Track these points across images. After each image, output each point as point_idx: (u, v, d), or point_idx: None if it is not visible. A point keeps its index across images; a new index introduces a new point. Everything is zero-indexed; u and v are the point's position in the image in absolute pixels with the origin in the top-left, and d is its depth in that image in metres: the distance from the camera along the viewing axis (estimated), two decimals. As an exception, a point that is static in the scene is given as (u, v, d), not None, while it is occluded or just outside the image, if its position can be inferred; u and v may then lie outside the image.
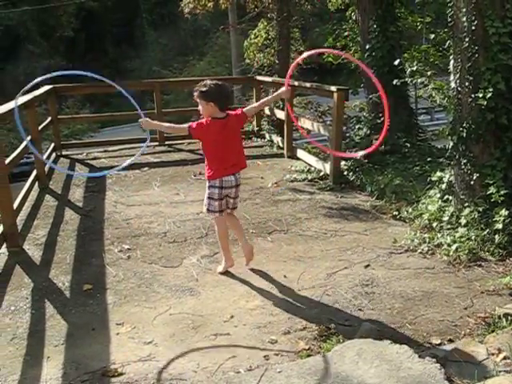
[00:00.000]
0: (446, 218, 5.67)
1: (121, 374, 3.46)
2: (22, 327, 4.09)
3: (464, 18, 5.42)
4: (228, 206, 4.88)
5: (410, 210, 6.25)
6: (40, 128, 8.55)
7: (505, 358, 3.36)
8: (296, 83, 9.38)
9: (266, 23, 13.74)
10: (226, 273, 4.94)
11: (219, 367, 3.49)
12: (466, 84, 5.52)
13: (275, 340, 3.81)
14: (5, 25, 36.62)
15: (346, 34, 12.48)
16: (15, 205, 5.98)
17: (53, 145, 10.20)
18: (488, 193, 5.36)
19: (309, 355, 3.59)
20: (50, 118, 9.89)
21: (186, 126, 4.69)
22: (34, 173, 7.82)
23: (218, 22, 24.66)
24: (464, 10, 5.41)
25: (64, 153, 10.41)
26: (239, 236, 5.06)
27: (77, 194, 7.62)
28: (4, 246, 5.51)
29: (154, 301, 4.46)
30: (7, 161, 5.82)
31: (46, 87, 9.66)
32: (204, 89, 4.58)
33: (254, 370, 3.43)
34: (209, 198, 4.79)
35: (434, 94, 8.76)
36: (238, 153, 4.81)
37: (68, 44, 39.79)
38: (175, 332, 3.97)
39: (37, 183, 7.82)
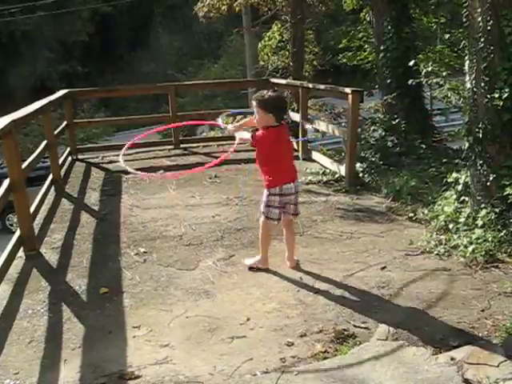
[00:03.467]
0: (462, 220, 5.63)
1: (138, 377, 3.47)
2: (39, 330, 4.12)
3: (479, 18, 5.39)
4: (289, 211, 4.93)
5: (426, 211, 6.22)
6: (56, 132, 8.60)
7: (523, 361, 3.34)
8: (310, 85, 9.38)
9: (279, 25, 13.75)
10: (242, 275, 4.94)
11: (236, 370, 3.49)
12: (482, 84, 5.48)
13: (292, 343, 3.80)
14: (22, 30, 36.95)
15: (360, 35, 12.48)
16: (32, 209, 6.02)
17: (68, 149, 10.26)
18: (505, 194, 5.31)
19: (325, 358, 3.58)
20: (65, 122, 9.95)
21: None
22: (50, 177, 7.87)
23: (231, 25, 24.67)
24: (479, 10, 5.38)
25: (80, 157, 10.47)
26: (289, 247, 5.13)
27: (93, 198, 7.66)
28: (21, 249, 5.54)
29: (171, 304, 4.47)
30: (23, 165, 5.86)
31: (62, 91, 9.74)
32: (265, 99, 4.70)
33: (271, 373, 3.42)
34: (268, 206, 4.84)
35: (449, 95, 8.72)
36: (292, 160, 5.02)
37: (83, 49, 40.02)
38: (192, 335, 3.97)
39: (53, 187, 7.86)
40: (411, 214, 6.33)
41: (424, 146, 8.78)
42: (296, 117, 9.95)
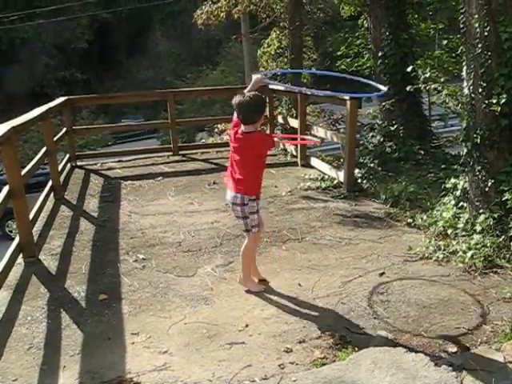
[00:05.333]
0: (460, 225, 5.64)
1: (136, 384, 3.47)
2: (38, 337, 4.12)
3: (476, 24, 5.41)
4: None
5: (425, 217, 6.22)
6: (55, 139, 8.61)
7: (522, 366, 3.34)
8: (309, 92, 9.40)
9: (278, 32, 13.79)
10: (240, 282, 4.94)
11: (234, 376, 3.49)
12: (480, 90, 5.50)
13: (290, 349, 3.80)
14: (21, 37, 37.04)
15: (358, 41, 12.52)
16: (31, 215, 6.02)
17: (68, 155, 10.26)
18: (503, 199, 5.32)
19: (324, 364, 3.58)
20: (65, 129, 9.96)
21: None
22: (50, 183, 7.87)
23: (230, 32, 24.73)
24: (476, 16, 5.40)
25: (79, 163, 10.47)
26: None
27: (92, 205, 7.66)
28: (20, 256, 5.54)
29: (169, 310, 4.47)
30: (23, 172, 5.87)
31: (61, 98, 9.75)
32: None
33: (269, 379, 3.43)
34: (252, 212, 4.68)
35: (447, 101, 8.75)
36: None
37: (82, 55, 40.12)
38: (190, 341, 3.97)
39: (52, 194, 7.86)
40: (410, 220, 6.34)
41: (422, 152, 8.80)
42: (294, 122, 9.96)
